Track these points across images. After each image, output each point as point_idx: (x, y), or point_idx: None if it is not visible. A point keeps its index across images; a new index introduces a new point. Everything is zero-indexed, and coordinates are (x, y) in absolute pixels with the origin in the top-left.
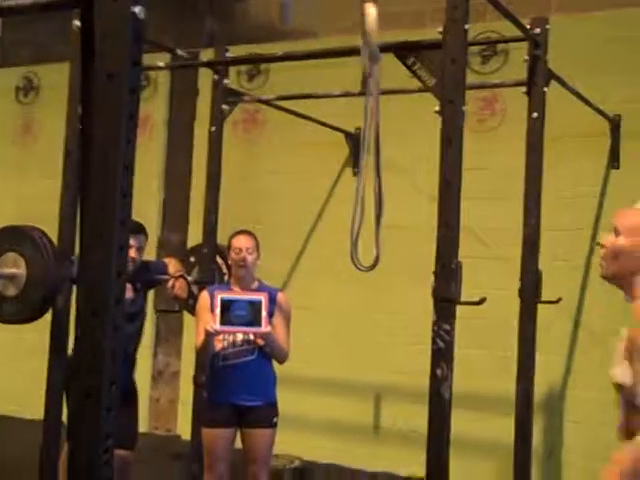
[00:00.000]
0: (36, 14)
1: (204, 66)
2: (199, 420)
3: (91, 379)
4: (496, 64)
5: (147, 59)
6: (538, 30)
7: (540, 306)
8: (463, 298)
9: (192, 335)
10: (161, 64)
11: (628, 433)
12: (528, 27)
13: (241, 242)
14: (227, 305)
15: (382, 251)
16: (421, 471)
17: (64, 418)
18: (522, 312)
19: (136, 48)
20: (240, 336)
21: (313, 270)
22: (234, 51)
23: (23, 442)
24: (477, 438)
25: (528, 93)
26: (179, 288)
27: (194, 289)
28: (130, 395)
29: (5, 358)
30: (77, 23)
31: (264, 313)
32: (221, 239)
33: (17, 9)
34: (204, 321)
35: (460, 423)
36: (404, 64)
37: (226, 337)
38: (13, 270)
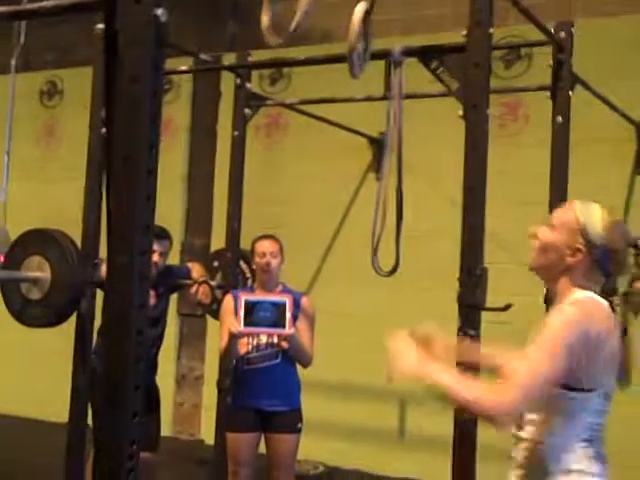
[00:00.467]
0: (58, 16)
1: (227, 70)
2: (223, 425)
3: (116, 384)
4: (520, 69)
5: (169, 63)
6: (563, 34)
7: None
8: (487, 304)
9: (215, 339)
10: (184, 67)
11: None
12: (552, 31)
13: (265, 246)
14: (251, 307)
15: (405, 256)
16: (447, 477)
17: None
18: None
19: (159, 51)
20: (264, 339)
21: (336, 274)
22: (256, 55)
23: (46, 445)
24: (503, 443)
25: (552, 97)
26: (202, 293)
27: (217, 294)
28: (152, 399)
29: (28, 361)
30: (100, 26)
31: (288, 315)
32: (244, 244)
33: (39, 11)
34: (228, 324)
35: (485, 428)
36: (427, 68)
37: (250, 341)
38: (38, 274)
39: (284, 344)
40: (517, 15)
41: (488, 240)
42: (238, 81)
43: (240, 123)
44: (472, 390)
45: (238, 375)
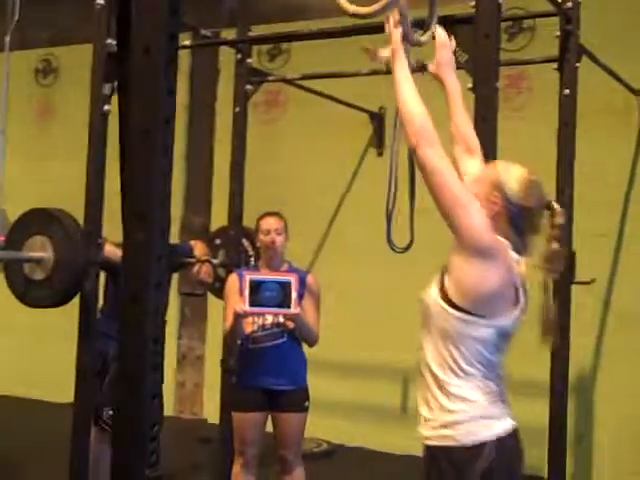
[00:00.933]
0: None
1: (228, 44)
2: (229, 404)
3: (134, 365)
4: (523, 41)
5: None
6: (570, 4)
7: None
8: None
9: (216, 319)
10: (186, 42)
11: None
12: (559, 1)
13: (269, 223)
14: (256, 286)
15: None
16: None
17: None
18: (556, 294)
19: (173, 20)
20: (269, 318)
21: (337, 251)
22: (254, 31)
23: (52, 426)
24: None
25: (560, 69)
26: (205, 272)
27: (220, 272)
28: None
29: (32, 342)
30: (100, 1)
31: (294, 294)
32: (245, 221)
33: None
34: (233, 304)
35: None
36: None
37: (255, 320)
38: (41, 253)
39: (290, 324)
40: None
41: None
42: (239, 56)
43: (241, 100)
44: (414, 106)
45: (244, 354)
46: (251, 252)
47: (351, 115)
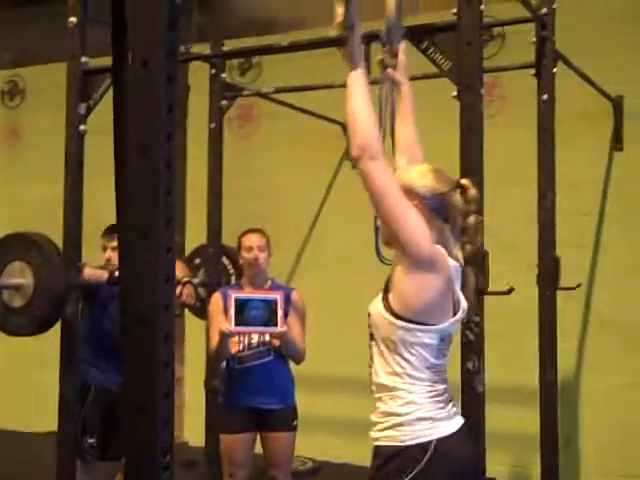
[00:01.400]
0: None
1: (202, 59)
2: (217, 426)
3: (144, 392)
4: (493, 49)
5: None
6: (545, 10)
7: None
8: None
9: (195, 339)
10: None
11: None
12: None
13: (252, 240)
14: (242, 305)
15: None
16: None
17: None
18: (541, 300)
19: (172, 34)
20: (255, 337)
21: (318, 264)
22: (226, 45)
23: (34, 456)
24: (502, 429)
25: (537, 75)
26: (187, 295)
27: (201, 292)
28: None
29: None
30: (73, 19)
31: (280, 312)
32: (223, 239)
33: None
34: (218, 323)
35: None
36: (418, 49)
37: (241, 339)
38: (20, 280)
39: (276, 342)
40: None
41: None
42: (213, 72)
43: (217, 115)
44: (363, 117)
45: (230, 375)
46: (232, 271)
47: (324, 128)
